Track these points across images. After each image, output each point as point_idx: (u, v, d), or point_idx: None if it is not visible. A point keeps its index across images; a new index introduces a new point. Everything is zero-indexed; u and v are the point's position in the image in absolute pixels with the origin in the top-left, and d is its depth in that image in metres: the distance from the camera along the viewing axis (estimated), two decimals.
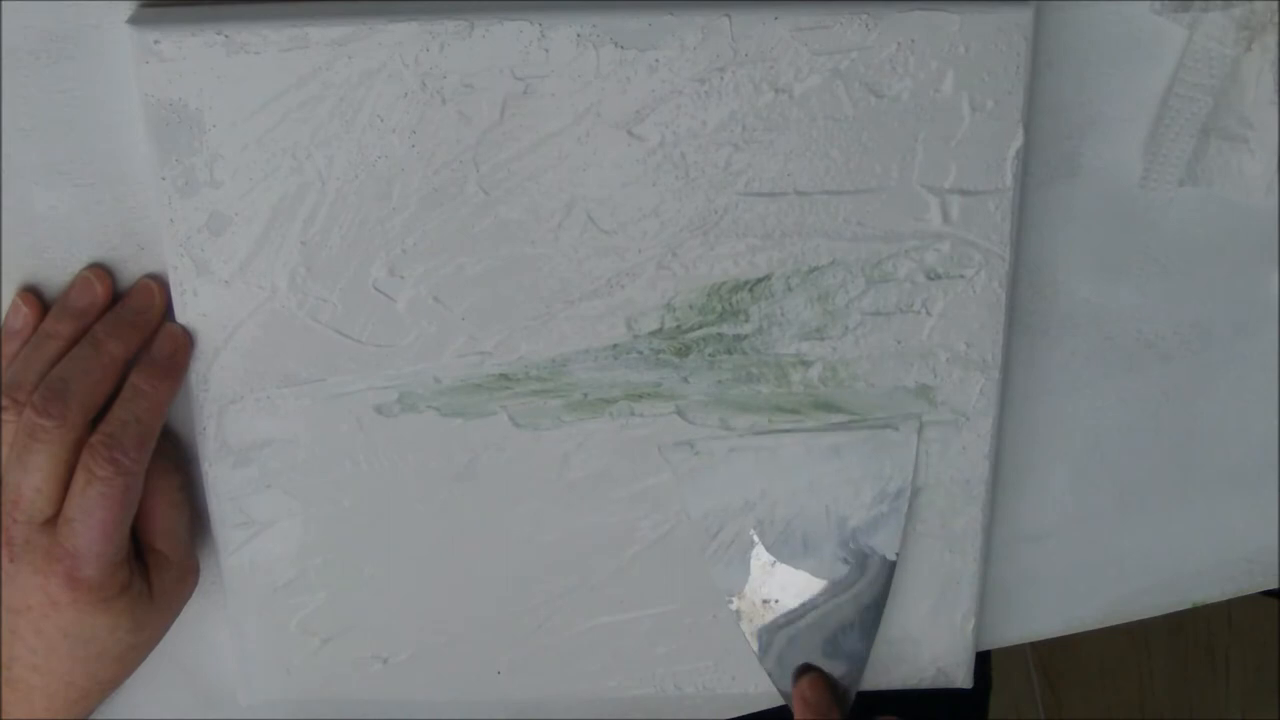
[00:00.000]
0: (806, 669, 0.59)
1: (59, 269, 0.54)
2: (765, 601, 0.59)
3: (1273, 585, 0.63)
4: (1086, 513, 0.61)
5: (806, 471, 0.57)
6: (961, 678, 0.62)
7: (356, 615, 0.59)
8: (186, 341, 0.54)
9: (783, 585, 0.59)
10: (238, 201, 0.52)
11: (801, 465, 0.57)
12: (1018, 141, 0.52)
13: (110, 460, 0.51)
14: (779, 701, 0.62)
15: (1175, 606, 0.63)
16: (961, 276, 0.54)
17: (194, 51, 0.50)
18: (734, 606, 0.59)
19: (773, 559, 0.58)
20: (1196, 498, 0.61)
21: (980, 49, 0.51)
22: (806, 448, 0.57)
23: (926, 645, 0.61)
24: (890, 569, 0.58)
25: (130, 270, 0.54)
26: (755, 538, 0.58)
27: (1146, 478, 0.60)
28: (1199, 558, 0.62)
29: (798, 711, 0.58)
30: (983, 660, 0.63)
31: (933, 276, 0.54)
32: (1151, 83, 0.53)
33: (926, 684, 0.62)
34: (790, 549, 0.58)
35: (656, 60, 0.50)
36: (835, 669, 0.59)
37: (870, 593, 0.59)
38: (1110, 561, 0.62)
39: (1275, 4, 0.52)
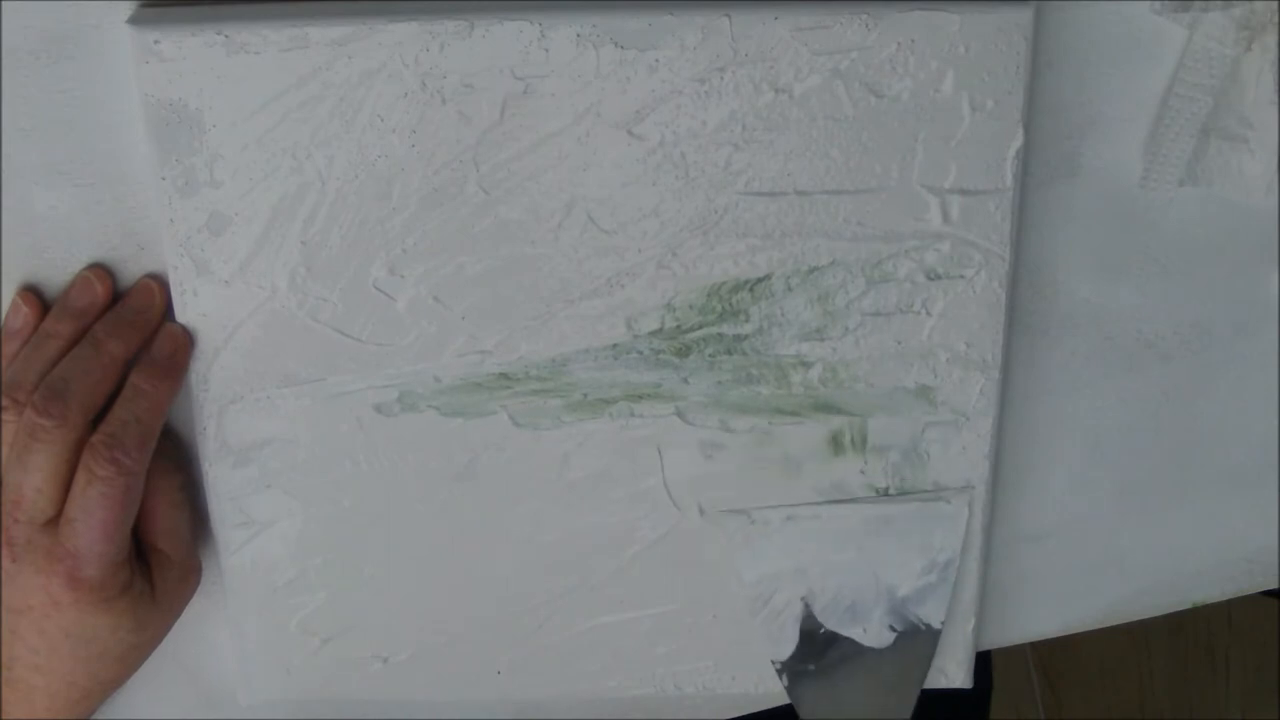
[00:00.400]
0: None
1: (59, 269, 0.54)
2: (810, 667, 0.60)
3: (1273, 585, 0.63)
4: (1086, 513, 0.61)
5: (858, 541, 0.58)
6: (961, 678, 0.62)
7: (356, 615, 0.59)
8: (186, 341, 0.54)
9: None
10: (238, 201, 0.52)
11: (853, 534, 0.58)
12: (1018, 141, 0.52)
13: (111, 460, 0.51)
14: (779, 701, 0.62)
15: (1175, 606, 0.63)
16: (961, 276, 0.54)
17: (194, 51, 0.50)
18: (777, 668, 0.60)
19: (821, 626, 0.59)
20: (1196, 498, 0.61)
21: (980, 49, 0.51)
22: (861, 518, 0.58)
23: None
24: (936, 638, 0.60)
25: (130, 270, 0.54)
26: (804, 604, 0.59)
27: (1146, 478, 0.60)
28: (1199, 558, 0.62)
29: None
30: (983, 660, 0.63)
31: (933, 276, 0.54)
32: (1151, 83, 0.53)
33: (927, 684, 0.62)
34: (838, 616, 0.59)
35: (656, 60, 0.50)
36: None
37: (918, 660, 0.60)
38: (1110, 561, 0.62)
39: (1275, 4, 0.52)
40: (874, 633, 0.59)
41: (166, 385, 0.53)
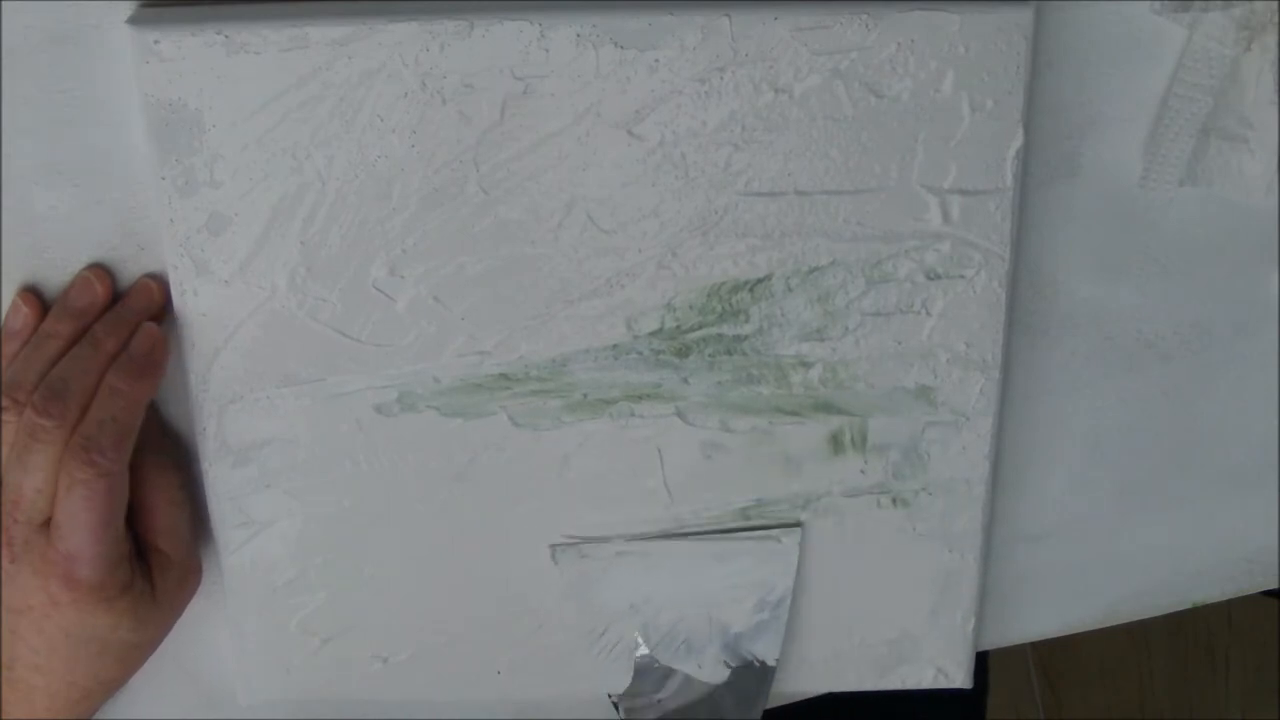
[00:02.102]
0: None
1: (59, 269, 0.54)
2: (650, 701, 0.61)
3: (1273, 585, 0.63)
4: (1086, 513, 0.61)
5: (691, 577, 0.58)
6: (961, 678, 0.62)
7: (356, 615, 0.59)
8: (163, 340, 0.53)
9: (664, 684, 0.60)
10: (238, 201, 0.52)
11: (686, 571, 0.58)
12: (1018, 141, 0.52)
13: (88, 462, 0.50)
14: (779, 701, 0.62)
15: (1175, 606, 0.63)
16: (961, 276, 0.54)
17: (194, 51, 0.49)
18: (619, 710, 0.61)
19: (655, 660, 0.60)
20: (1196, 498, 0.61)
21: (980, 49, 0.51)
22: (691, 555, 0.58)
23: (926, 645, 0.61)
24: (771, 675, 0.60)
25: (130, 270, 0.54)
26: (638, 639, 0.59)
27: (1146, 478, 0.60)
28: (1199, 558, 0.62)
29: None
30: (979, 661, 0.63)
31: (933, 276, 0.54)
32: (1151, 83, 0.53)
33: (926, 684, 0.62)
34: (673, 651, 0.60)
35: (656, 60, 0.50)
36: None
37: (751, 699, 0.60)
38: (1110, 561, 0.62)
39: (1275, 4, 0.52)
40: (709, 668, 0.60)
41: (142, 385, 0.52)
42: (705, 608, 0.59)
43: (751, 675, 0.59)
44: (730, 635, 0.59)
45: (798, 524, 0.57)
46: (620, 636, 0.59)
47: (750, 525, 0.57)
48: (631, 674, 0.60)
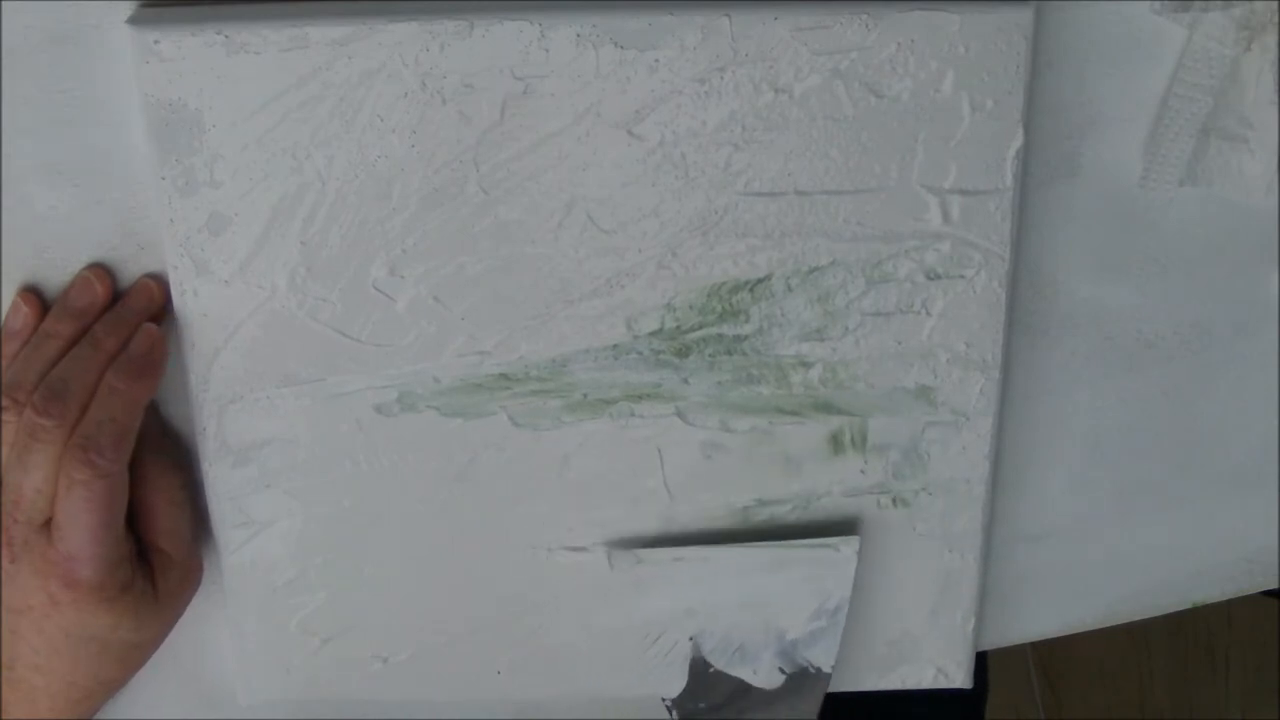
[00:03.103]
0: None
1: (59, 269, 0.54)
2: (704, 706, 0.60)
3: (1273, 585, 0.63)
4: (1086, 513, 0.61)
5: (748, 584, 0.58)
6: (961, 678, 0.62)
7: (356, 615, 0.59)
8: (162, 340, 0.53)
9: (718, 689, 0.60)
10: (238, 201, 0.52)
11: (743, 578, 0.58)
12: (1018, 141, 0.52)
13: (87, 463, 0.50)
14: None
15: (1175, 606, 0.63)
16: (961, 276, 0.54)
17: (194, 51, 0.50)
18: (673, 715, 0.60)
19: (712, 667, 0.59)
20: (1196, 498, 0.61)
21: (980, 49, 0.51)
22: (750, 562, 0.58)
23: (926, 645, 0.61)
24: (826, 680, 0.60)
25: (130, 270, 0.54)
26: (693, 645, 0.59)
27: (1146, 478, 0.60)
28: (1199, 558, 0.62)
29: None
30: (980, 662, 0.63)
31: (933, 276, 0.54)
32: (1151, 83, 0.53)
33: (926, 684, 0.62)
34: (728, 657, 0.59)
35: (656, 60, 0.50)
36: None
37: (806, 702, 0.60)
38: (1110, 561, 0.62)
39: (1275, 4, 0.52)
40: (763, 674, 0.60)
41: (141, 385, 0.52)
42: (762, 614, 0.59)
43: (806, 681, 0.59)
44: (786, 642, 0.59)
45: (855, 534, 0.57)
46: (675, 641, 0.59)
47: (807, 533, 0.58)
48: (685, 679, 0.60)
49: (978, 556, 0.59)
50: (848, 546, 0.57)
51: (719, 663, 0.59)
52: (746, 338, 0.55)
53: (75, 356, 0.52)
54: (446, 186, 0.52)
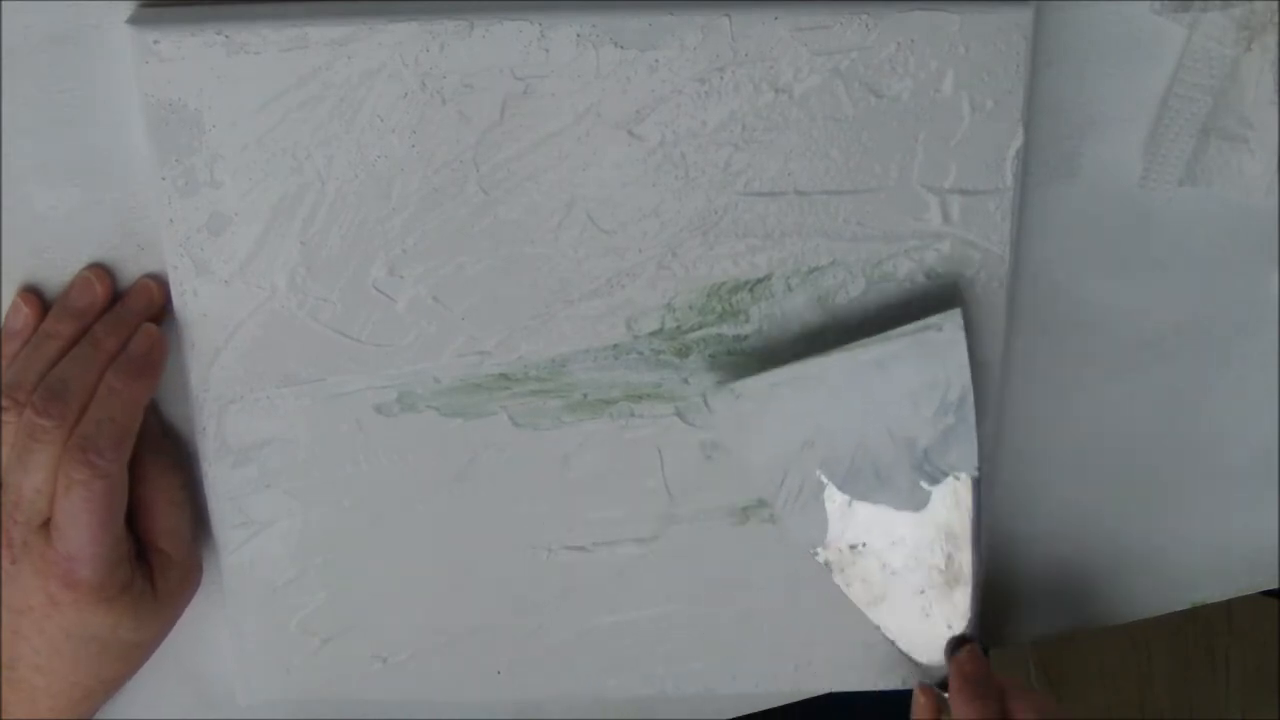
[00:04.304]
0: (962, 641, 0.56)
1: (59, 269, 0.54)
2: (852, 547, 0.56)
3: (1273, 585, 0.63)
4: (1086, 513, 0.61)
5: (856, 395, 0.53)
6: None
7: (356, 615, 0.59)
8: (162, 341, 0.53)
9: (866, 525, 0.55)
10: (238, 201, 0.52)
11: (851, 388, 0.53)
12: (1018, 141, 0.52)
13: (85, 463, 0.50)
14: (779, 701, 0.62)
15: (1175, 606, 0.63)
16: (961, 276, 0.54)
17: (194, 51, 0.50)
18: (821, 559, 0.55)
19: (847, 498, 0.54)
20: (1196, 498, 0.61)
21: (980, 49, 0.51)
22: (850, 370, 0.53)
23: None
24: (977, 486, 0.54)
25: (130, 270, 0.54)
26: (823, 478, 0.54)
27: (1146, 478, 0.61)
28: (1199, 558, 0.62)
29: (955, 684, 0.55)
30: None
31: (933, 276, 0.54)
32: (1151, 83, 0.53)
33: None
34: (863, 484, 0.54)
35: (656, 60, 0.50)
36: (949, 610, 0.56)
37: (960, 516, 0.54)
38: (1110, 561, 0.62)
39: (1275, 4, 0.52)
40: (907, 495, 0.54)
41: (141, 385, 0.52)
42: (883, 426, 0.53)
43: (954, 491, 0.54)
44: (919, 452, 0.54)
45: (956, 307, 0.52)
46: (802, 479, 0.54)
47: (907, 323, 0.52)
48: (826, 520, 0.53)
49: (978, 556, 0.59)
50: (950, 323, 0.52)
51: (854, 493, 0.54)
52: (746, 338, 0.55)
53: (75, 356, 0.52)
54: (446, 186, 0.52)
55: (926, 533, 0.55)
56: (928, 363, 0.53)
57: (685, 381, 0.56)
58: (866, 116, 0.52)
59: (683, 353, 0.55)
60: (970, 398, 0.53)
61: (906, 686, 0.62)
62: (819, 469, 0.54)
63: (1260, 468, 0.61)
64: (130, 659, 0.56)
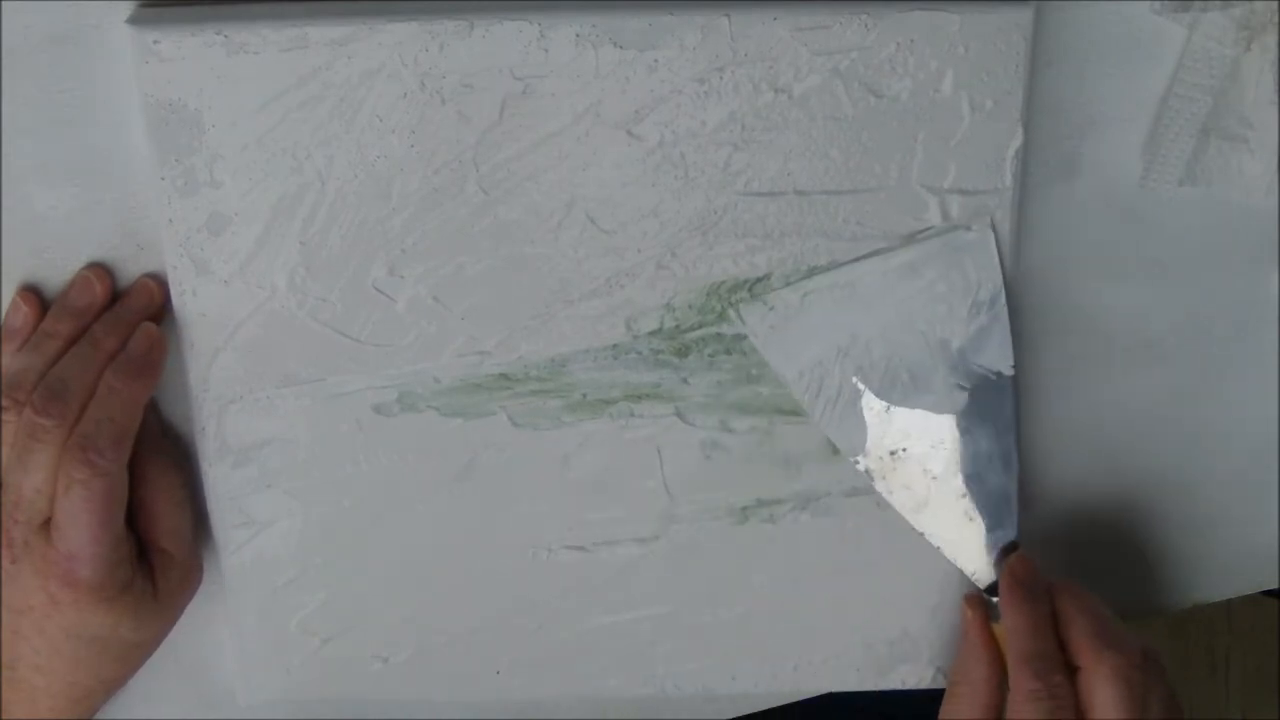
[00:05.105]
0: (1012, 548, 0.57)
1: (59, 269, 0.54)
2: (892, 453, 0.56)
3: (1273, 585, 0.63)
4: (1086, 512, 0.61)
5: (890, 300, 0.53)
6: None
7: (356, 615, 0.59)
8: (161, 340, 0.53)
9: (905, 431, 0.55)
10: (237, 201, 0.52)
11: (882, 295, 0.53)
12: (1017, 141, 0.52)
13: (85, 462, 0.50)
14: (779, 701, 0.62)
15: (1175, 606, 0.63)
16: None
17: (194, 51, 0.50)
18: (861, 467, 0.55)
19: (885, 404, 0.54)
20: (1197, 498, 0.61)
21: (980, 49, 0.51)
22: (880, 275, 0.53)
23: (926, 645, 0.61)
24: (1012, 384, 0.54)
25: (130, 270, 0.54)
26: (860, 385, 0.54)
27: (1146, 478, 0.60)
28: (1199, 558, 0.62)
29: (1005, 588, 0.55)
30: None
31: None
32: (1151, 83, 0.53)
33: (926, 684, 0.62)
34: (899, 388, 0.54)
35: (656, 60, 0.50)
36: (989, 512, 0.56)
37: (999, 417, 0.54)
38: (1110, 561, 0.62)
39: (1275, 4, 0.52)
40: (944, 397, 0.54)
41: (140, 384, 0.52)
42: (916, 329, 0.53)
43: (991, 391, 0.54)
44: (954, 352, 0.54)
45: (988, 211, 0.53)
46: (838, 386, 0.54)
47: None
48: (865, 426, 0.54)
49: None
50: (978, 224, 0.53)
51: (890, 399, 0.54)
52: (746, 337, 0.55)
53: (74, 356, 0.52)
54: (446, 186, 0.52)
55: None
56: (958, 264, 0.53)
57: (685, 381, 0.56)
58: (866, 116, 0.51)
59: (682, 352, 0.55)
60: (1002, 296, 0.53)
61: (906, 686, 0.62)
62: (855, 376, 0.54)
63: (1260, 468, 0.60)
64: (130, 659, 0.56)
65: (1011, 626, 0.54)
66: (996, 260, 0.53)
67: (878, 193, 0.53)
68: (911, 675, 0.62)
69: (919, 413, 0.55)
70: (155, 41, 0.49)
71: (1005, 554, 0.57)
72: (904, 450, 0.56)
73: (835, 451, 0.57)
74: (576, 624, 0.60)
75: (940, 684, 0.62)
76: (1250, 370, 0.59)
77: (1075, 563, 0.62)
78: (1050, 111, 0.53)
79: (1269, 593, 0.65)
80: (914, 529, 0.58)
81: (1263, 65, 0.53)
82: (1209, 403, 0.59)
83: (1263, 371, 0.59)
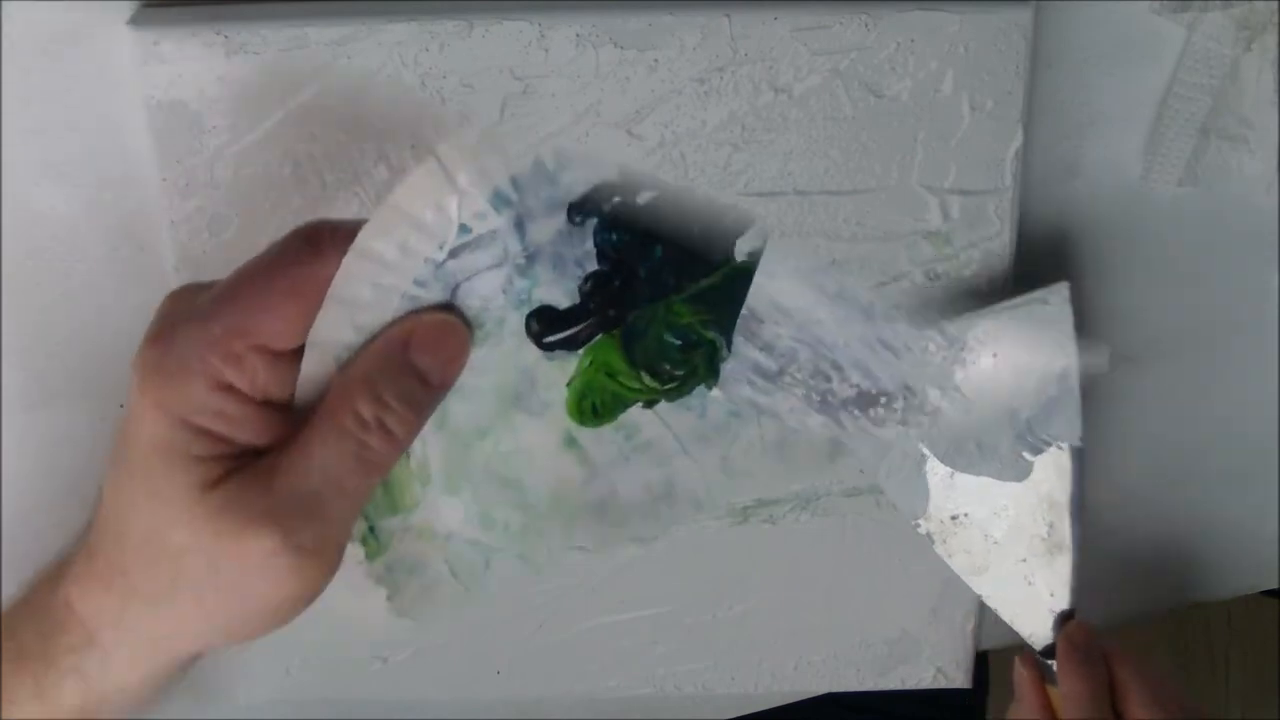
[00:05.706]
0: (1069, 615, 0.56)
1: (59, 269, 0.54)
2: (954, 518, 0.55)
3: (1273, 585, 0.63)
4: (1086, 512, 0.61)
5: (961, 370, 0.52)
6: (961, 678, 0.62)
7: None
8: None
9: (968, 496, 0.55)
10: (238, 202, 0.52)
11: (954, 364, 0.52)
12: (1017, 141, 0.52)
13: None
14: (779, 701, 0.62)
15: (1175, 606, 0.63)
16: (962, 276, 0.54)
17: (194, 52, 0.50)
18: (923, 530, 0.55)
19: (949, 470, 0.54)
20: (1196, 497, 0.61)
21: (980, 49, 0.51)
22: (955, 338, 0.52)
23: (926, 645, 0.61)
24: (1081, 457, 0.53)
25: (130, 270, 0.54)
26: (924, 450, 0.54)
27: (1146, 478, 0.60)
28: (1199, 558, 0.62)
29: (1063, 654, 0.55)
30: (980, 662, 0.63)
31: (932, 277, 0.54)
32: (1151, 83, 0.53)
33: (926, 684, 0.62)
34: (965, 456, 0.54)
35: (656, 60, 0.50)
36: (1051, 578, 0.55)
37: (1061, 485, 0.54)
38: (1110, 561, 0.62)
39: (1275, 4, 0.52)
40: (1008, 466, 0.54)
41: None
42: (985, 399, 0.52)
43: (1060, 466, 0.54)
44: (1022, 423, 0.53)
45: (1063, 280, 0.52)
46: (904, 452, 0.53)
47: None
48: (928, 491, 0.53)
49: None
50: (1056, 297, 0.52)
51: (955, 465, 0.53)
52: None
53: None
54: None
55: (1028, 502, 0.55)
56: (1032, 339, 0.52)
57: None
58: (866, 116, 0.52)
59: None
60: (1075, 372, 0.52)
61: (906, 686, 0.62)
62: (920, 441, 0.54)
63: (1260, 468, 0.61)
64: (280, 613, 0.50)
65: (1067, 692, 0.54)
66: (1072, 335, 0.52)
67: (878, 193, 0.53)
68: (911, 675, 0.62)
69: (983, 480, 0.54)
70: (156, 42, 0.49)
71: (1063, 620, 0.57)
72: (965, 515, 0.55)
73: (835, 451, 0.57)
74: (576, 624, 0.60)
75: (940, 684, 0.62)
76: (1250, 370, 0.59)
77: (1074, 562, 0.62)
78: (1050, 111, 0.53)
79: (1269, 593, 0.65)
80: (914, 529, 0.58)
81: (1262, 65, 0.53)
82: (1209, 403, 0.59)
83: (1263, 371, 0.59)
